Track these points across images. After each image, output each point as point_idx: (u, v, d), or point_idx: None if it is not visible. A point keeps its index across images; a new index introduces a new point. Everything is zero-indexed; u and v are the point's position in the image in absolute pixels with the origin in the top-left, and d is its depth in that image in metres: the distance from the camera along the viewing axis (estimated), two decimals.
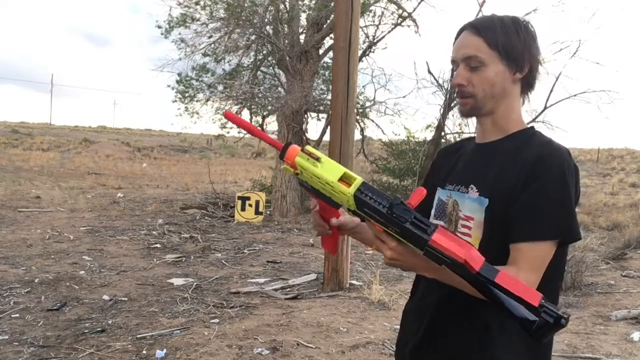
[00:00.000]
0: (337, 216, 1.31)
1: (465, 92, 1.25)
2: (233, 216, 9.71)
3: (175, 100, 11.62)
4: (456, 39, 1.29)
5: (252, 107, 11.41)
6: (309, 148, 1.04)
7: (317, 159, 1.01)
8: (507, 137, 1.27)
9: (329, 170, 1.01)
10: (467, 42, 1.25)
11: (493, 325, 1.20)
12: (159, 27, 10.76)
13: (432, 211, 1.39)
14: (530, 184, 1.16)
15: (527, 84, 1.28)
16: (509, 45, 1.22)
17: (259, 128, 1.03)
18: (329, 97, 9.12)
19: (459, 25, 1.30)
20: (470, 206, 1.25)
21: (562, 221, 1.15)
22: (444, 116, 11.27)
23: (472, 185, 1.26)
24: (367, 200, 0.98)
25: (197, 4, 10.33)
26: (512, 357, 1.21)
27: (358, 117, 10.77)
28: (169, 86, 11.59)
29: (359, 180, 1.00)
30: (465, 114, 1.30)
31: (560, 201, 1.15)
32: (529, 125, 1.30)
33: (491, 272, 0.89)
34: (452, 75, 11.31)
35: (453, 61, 1.28)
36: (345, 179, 1.00)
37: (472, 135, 1.44)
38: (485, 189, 1.23)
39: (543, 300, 0.86)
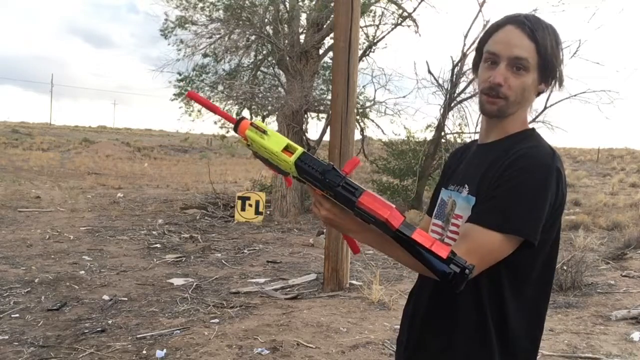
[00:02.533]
0: None
1: (500, 93, 1.21)
2: (233, 216, 9.71)
3: (173, 99, 11.62)
4: (497, 28, 1.24)
5: (252, 107, 11.41)
6: (257, 122, 1.15)
7: (264, 132, 1.13)
8: (505, 137, 1.27)
9: (274, 142, 1.13)
10: (519, 42, 1.19)
11: (478, 323, 1.21)
12: (161, 30, 10.77)
13: (434, 211, 1.40)
14: (500, 178, 1.16)
15: (540, 94, 1.28)
16: (551, 58, 1.20)
17: (217, 107, 1.17)
18: (329, 97, 9.12)
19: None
20: (461, 205, 1.27)
21: (516, 216, 1.13)
22: (444, 116, 11.26)
23: (465, 185, 1.27)
24: (305, 168, 1.10)
25: (195, 6, 10.33)
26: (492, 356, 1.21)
27: (358, 117, 10.76)
28: (169, 82, 11.59)
29: (300, 150, 1.12)
30: (491, 113, 1.25)
31: (524, 197, 1.13)
32: (530, 127, 1.29)
33: (409, 229, 1.00)
34: (452, 74, 11.20)
35: (492, 54, 1.22)
36: (288, 149, 1.12)
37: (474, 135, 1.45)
38: (473, 188, 1.24)
39: (451, 254, 0.97)
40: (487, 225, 1.13)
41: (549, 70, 1.21)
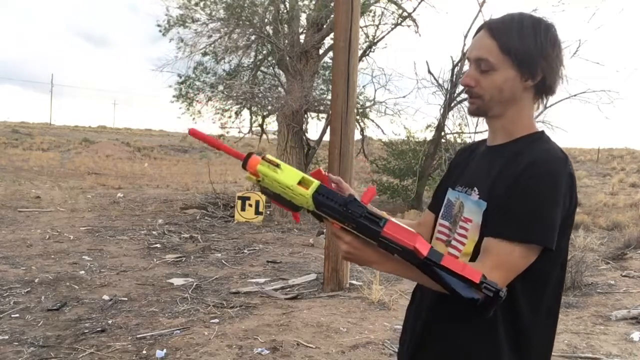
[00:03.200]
0: None
1: (473, 93, 1.25)
2: (233, 216, 9.71)
3: (173, 101, 11.61)
4: (475, 35, 1.27)
5: (252, 107, 11.41)
6: (268, 156, 1.12)
7: (277, 166, 1.10)
8: (513, 141, 1.25)
9: (288, 176, 1.10)
10: (480, 44, 1.23)
11: (482, 328, 1.20)
12: (159, 25, 10.74)
13: (440, 211, 1.39)
14: (515, 187, 1.15)
15: (541, 91, 1.24)
16: (522, 52, 1.18)
17: (222, 142, 1.13)
18: (329, 97, 9.11)
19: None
20: (470, 208, 1.26)
21: (530, 224, 1.13)
22: (444, 116, 11.27)
23: (475, 188, 1.26)
24: (324, 200, 1.07)
25: (197, 4, 10.34)
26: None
27: (358, 117, 10.76)
28: (170, 86, 11.58)
29: (316, 183, 1.09)
30: (471, 113, 1.30)
31: (539, 206, 1.13)
32: (538, 130, 1.27)
33: (438, 256, 0.98)
34: (452, 74, 11.23)
35: (468, 58, 1.28)
36: (303, 183, 1.09)
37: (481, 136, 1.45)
38: (484, 192, 1.23)
39: (483, 277, 0.95)
40: (509, 238, 1.12)
41: (525, 63, 1.19)
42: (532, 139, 1.24)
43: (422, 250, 0.98)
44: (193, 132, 1.20)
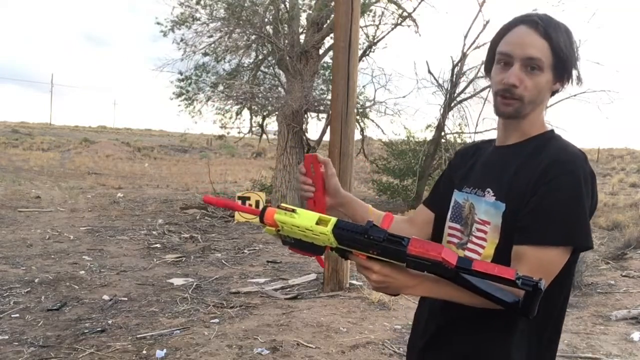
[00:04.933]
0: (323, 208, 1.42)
1: (515, 94, 1.19)
2: (233, 216, 9.71)
3: (173, 98, 11.61)
4: (509, 29, 1.22)
5: (252, 107, 11.41)
6: (284, 204, 1.15)
7: (293, 211, 1.12)
8: (527, 140, 1.24)
9: (305, 218, 1.11)
10: (532, 42, 1.17)
11: (496, 330, 1.19)
12: (159, 23, 10.73)
13: (448, 214, 1.36)
14: (540, 188, 1.13)
15: (555, 93, 1.26)
16: (566, 56, 1.18)
17: (236, 202, 1.22)
18: (329, 97, 9.11)
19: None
20: (487, 210, 1.23)
21: (570, 227, 1.12)
22: (444, 116, 11.27)
23: (488, 189, 1.24)
24: (344, 233, 1.07)
25: (197, 3, 10.33)
26: None
27: (358, 117, 10.76)
28: (171, 82, 11.58)
29: (333, 219, 1.09)
30: (506, 115, 1.23)
31: (570, 206, 1.12)
32: (549, 129, 1.26)
33: (467, 262, 0.97)
34: (453, 74, 11.19)
35: (505, 54, 1.20)
36: (321, 222, 1.10)
37: (483, 137, 1.44)
38: (502, 193, 1.21)
39: (518, 273, 0.93)
40: (543, 242, 1.10)
41: (563, 69, 1.19)
42: (546, 138, 1.23)
43: (451, 260, 0.97)
44: (207, 199, 1.26)
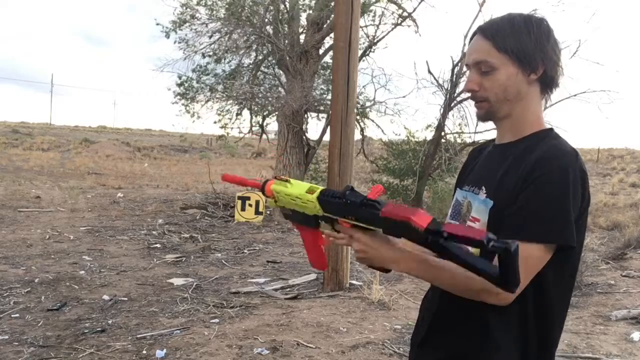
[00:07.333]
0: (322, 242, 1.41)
1: (478, 97, 1.25)
2: (233, 216, 9.70)
3: (175, 102, 11.60)
4: (469, 42, 1.29)
5: (252, 107, 11.40)
6: (280, 176, 1.24)
7: (287, 181, 1.20)
8: (521, 139, 1.25)
9: (297, 187, 1.19)
10: (477, 47, 1.24)
11: (492, 324, 1.19)
12: (159, 24, 10.72)
13: (449, 211, 1.39)
14: (527, 185, 1.14)
15: (546, 84, 1.25)
16: (519, 47, 1.19)
17: (252, 180, 1.29)
18: (329, 97, 9.11)
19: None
20: (478, 207, 1.25)
21: (550, 224, 1.12)
22: (444, 116, 11.26)
23: (482, 187, 1.26)
24: (327, 199, 1.11)
25: (198, 4, 10.33)
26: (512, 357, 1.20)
27: (358, 117, 10.76)
28: (169, 89, 11.57)
29: (320, 188, 1.15)
30: (481, 118, 1.28)
31: (552, 204, 1.12)
32: (547, 127, 1.27)
33: (439, 225, 0.94)
34: (453, 74, 11.22)
35: (467, 65, 1.28)
36: (310, 191, 1.16)
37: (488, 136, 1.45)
38: (491, 191, 1.22)
39: (489, 235, 0.88)
40: (525, 238, 1.10)
41: (524, 58, 1.20)
42: (540, 137, 1.23)
43: (422, 222, 0.94)
44: (226, 177, 1.36)
